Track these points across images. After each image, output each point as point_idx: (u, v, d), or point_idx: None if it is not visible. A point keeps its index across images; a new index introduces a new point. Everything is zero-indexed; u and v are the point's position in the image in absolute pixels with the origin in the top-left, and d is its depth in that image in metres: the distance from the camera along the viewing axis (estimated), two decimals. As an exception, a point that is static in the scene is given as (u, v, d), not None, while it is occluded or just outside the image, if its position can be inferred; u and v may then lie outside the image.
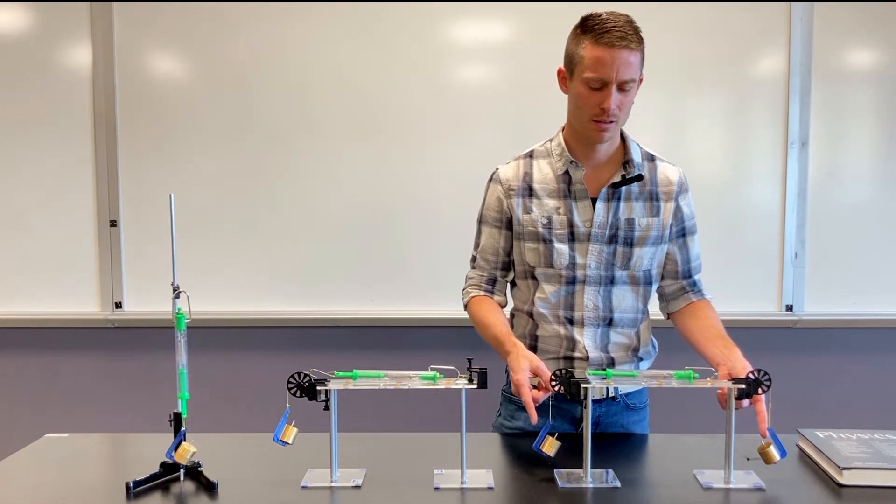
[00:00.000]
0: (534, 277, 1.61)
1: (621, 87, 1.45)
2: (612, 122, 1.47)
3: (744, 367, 1.34)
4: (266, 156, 2.51)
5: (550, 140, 1.63)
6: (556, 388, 1.29)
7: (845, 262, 2.54)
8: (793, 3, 2.45)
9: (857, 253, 2.54)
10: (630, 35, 1.43)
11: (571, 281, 1.58)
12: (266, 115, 2.50)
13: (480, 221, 1.67)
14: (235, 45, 2.48)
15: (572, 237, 1.57)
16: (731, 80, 2.49)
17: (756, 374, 1.26)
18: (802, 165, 2.50)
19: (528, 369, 1.36)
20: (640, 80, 1.51)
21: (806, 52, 2.46)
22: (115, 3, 2.47)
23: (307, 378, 1.27)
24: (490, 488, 1.25)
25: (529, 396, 1.31)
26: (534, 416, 1.29)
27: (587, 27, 1.46)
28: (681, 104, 2.51)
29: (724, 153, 2.53)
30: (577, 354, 1.59)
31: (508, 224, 1.62)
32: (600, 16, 1.46)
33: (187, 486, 1.27)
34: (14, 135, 2.52)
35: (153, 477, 1.26)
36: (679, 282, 1.65)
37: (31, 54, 2.50)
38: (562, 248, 1.57)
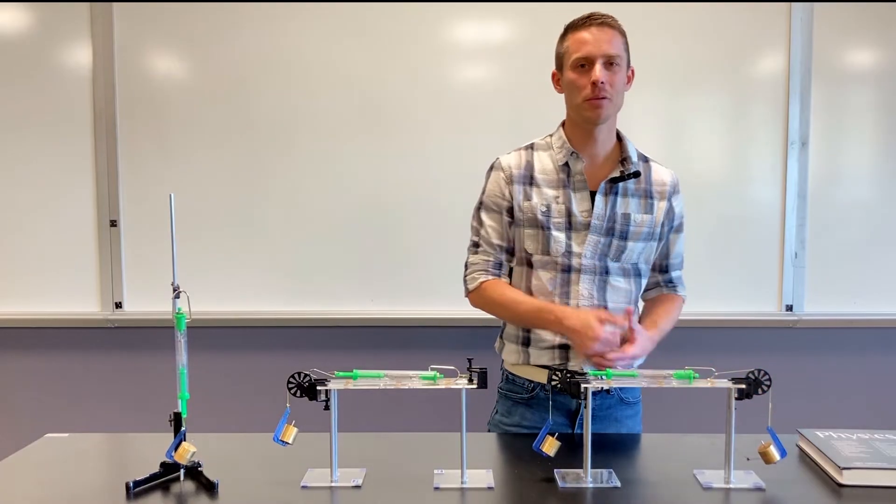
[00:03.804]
0: (530, 264, 1.63)
1: (608, 65, 1.53)
2: (604, 97, 1.53)
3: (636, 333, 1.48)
4: (266, 155, 2.51)
5: (550, 135, 1.68)
6: (555, 387, 1.30)
7: (845, 262, 2.54)
8: (793, 3, 2.45)
9: (857, 253, 2.54)
10: (608, 18, 1.56)
11: (567, 269, 1.61)
12: (266, 114, 2.50)
13: (480, 209, 1.68)
14: (235, 45, 2.48)
15: (569, 226, 1.60)
16: (731, 80, 2.49)
17: (756, 374, 1.26)
18: (802, 165, 2.50)
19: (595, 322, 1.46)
20: (632, 73, 1.61)
21: (806, 52, 2.46)
22: (115, 3, 2.47)
23: (307, 378, 1.27)
24: (490, 488, 1.25)
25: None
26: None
27: (568, 26, 1.61)
28: (681, 104, 2.51)
29: (724, 153, 2.53)
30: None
31: (510, 210, 1.64)
32: (579, 16, 1.60)
33: (187, 486, 1.26)
34: (14, 135, 2.52)
35: (153, 477, 1.26)
36: (655, 275, 1.72)
37: (31, 54, 2.50)
38: (559, 235, 1.60)
